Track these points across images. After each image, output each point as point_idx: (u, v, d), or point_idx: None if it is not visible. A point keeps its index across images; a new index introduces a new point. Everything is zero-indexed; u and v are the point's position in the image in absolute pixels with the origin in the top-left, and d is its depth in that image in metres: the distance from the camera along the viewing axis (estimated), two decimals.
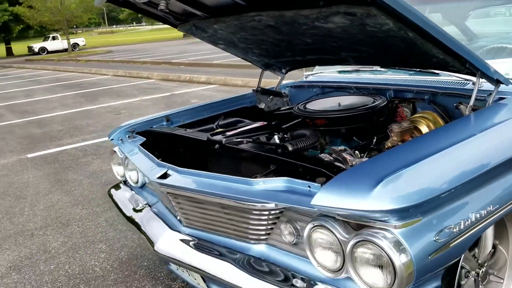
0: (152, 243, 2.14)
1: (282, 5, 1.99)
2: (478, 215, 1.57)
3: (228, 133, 2.24)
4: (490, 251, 1.94)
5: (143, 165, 2.28)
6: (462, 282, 1.83)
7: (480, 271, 1.89)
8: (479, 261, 1.90)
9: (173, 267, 2.29)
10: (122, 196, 2.76)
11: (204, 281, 2.03)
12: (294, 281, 1.69)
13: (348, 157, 1.99)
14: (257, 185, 1.75)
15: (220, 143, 2.16)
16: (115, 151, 2.82)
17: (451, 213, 1.51)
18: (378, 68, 2.84)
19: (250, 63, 3.20)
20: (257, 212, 1.77)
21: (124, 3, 2.52)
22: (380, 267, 1.43)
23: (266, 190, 1.72)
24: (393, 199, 1.40)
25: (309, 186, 1.63)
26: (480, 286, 1.91)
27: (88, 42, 42.07)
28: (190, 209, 2.05)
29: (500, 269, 2.03)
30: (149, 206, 2.47)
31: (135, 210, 2.48)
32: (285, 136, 2.47)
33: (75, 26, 44.95)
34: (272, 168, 1.94)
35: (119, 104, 9.61)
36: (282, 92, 3.27)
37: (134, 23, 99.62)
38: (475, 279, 1.88)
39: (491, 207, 1.62)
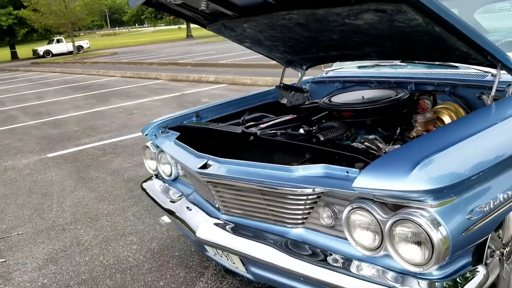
0: (193, 231, 2.28)
1: (314, 4, 2.11)
2: (505, 195, 1.70)
3: (262, 126, 2.38)
4: None
5: (183, 157, 2.41)
6: (488, 261, 1.94)
7: (505, 251, 2.01)
8: (503, 242, 2.02)
9: (210, 253, 2.42)
10: (156, 189, 2.89)
11: (243, 264, 2.16)
12: (332, 259, 1.82)
13: (380, 145, 2.12)
14: (296, 172, 1.88)
15: (255, 135, 2.29)
16: (147, 146, 2.95)
17: (481, 193, 1.64)
18: (397, 62, 2.96)
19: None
20: (296, 197, 1.90)
21: (157, 4, 2.64)
22: (418, 243, 1.55)
23: (306, 176, 1.85)
24: (429, 180, 1.52)
25: (347, 172, 1.75)
26: (505, 265, 2.03)
27: (92, 44, 42.26)
28: (229, 196, 2.17)
29: None
30: (185, 197, 2.61)
31: (172, 201, 2.62)
32: (312, 128, 2.59)
33: (77, 29, 45.14)
34: (307, 157, 2.06)
35: (131, 104, 9.76)
36: (303, 87, 3.40)
37: (136, 24, 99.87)
38: (499, 258, 2.00)
39: None
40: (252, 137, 2.31)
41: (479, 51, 2.08)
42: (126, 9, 53.34)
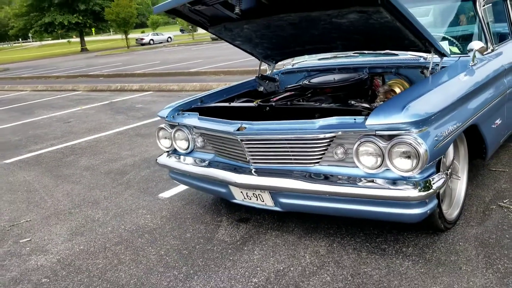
0: (229, 182, 3.00)
1: (311, 7, 2.95)
2: (452, 128, 2.69)
3: (272, 100, 3.16)
4: (451, 161, 3.07)
5: (215, 126, 3.11)
6: None
7: (448, 171, 3.01)
8: (447, 165, 3.02)
9: (238, 199, 3.15)
10: (172, 161, 3.54)
11: (272, 198, 2.92)
12: (344, 179, 2.67)
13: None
14: (317, 123, 2.70)
15: (271, 106, 3.08)
16: (162, 128, 3.58)
17: (440, 125, 2.60)
18: (351, 53, 3.92)
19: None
20: (317, 141, 2.72)
21: (173, 11, 3.32)
22: (408, 157, 2.46)
23: (325, 125, 2.68)
24: (413, 116, 2.45)
25: (354, 119, 2.61)
26: (449, 180, 3.03)
27: None
28: (259, 150, 2.93)
29: (457, 172, 3.18)
30: (208, 161, 3.30)
31: (198, 166, 3.30)
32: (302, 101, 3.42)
33: None
34: (317, 116, 2.89)
35: (62, 114, 9.89)
36: (275, 78, 4.23)
37: (20, 39, 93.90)
38: (445, 176, 2.99)
39: (458, 124, 2.74)
40: (268, 108, 3.09)
41: (420, 40, 3.07)
42: (12, 22, 50.19)
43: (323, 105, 3.01)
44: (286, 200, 2.90)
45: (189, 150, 3.48)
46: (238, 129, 2.94)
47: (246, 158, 3.02)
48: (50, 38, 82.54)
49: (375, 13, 2.80)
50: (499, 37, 4.12)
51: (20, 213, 4.28)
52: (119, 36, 59.28)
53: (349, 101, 3.07)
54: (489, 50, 3.62)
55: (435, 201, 2.64)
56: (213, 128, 3.14)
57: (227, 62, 16.94)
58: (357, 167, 2.65)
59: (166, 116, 3.50)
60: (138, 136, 6.88)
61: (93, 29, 52.57)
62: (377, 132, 2.52)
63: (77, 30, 48.08)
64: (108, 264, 3.13)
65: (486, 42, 3.61)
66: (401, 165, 2.50)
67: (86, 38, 53.54)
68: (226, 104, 3.48)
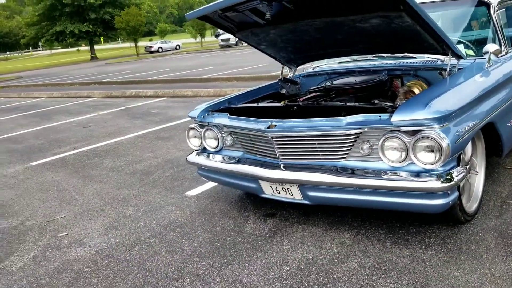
0: (259, 177, 3.19)
1: (336, 12, 3.14)
2: (471, 124, 2.87)
3: (299, 100, 3.36)
4: (469, 157, 3.24)
5: (246, 124, 3.30)
6: None
7: (467, 166, 3.19)
8: (465, 160, 3.19)
9: (267, 194, 3.33)
10: (201, 159, 3.74)
11: (301, 192, 3.10)
12: (370, 173, 2.85)
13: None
14: (344, 120, 2.89)
15: (299, 105, 3.27)
16: (192, 127, 3.79)
17: (460, 122, 2.78)
18: (370, 57, 4.11)
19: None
20: (344, 137, 2.90)
21: (204, 17, 3.53)
22: (431, 151, 2.64)
23: (351, 122, 2.86)
24: (435, 112, 2.63)
25: (379, 116, 2.80)
26: (468, 175, 3.20)
27: None
28: (288, 146, 3.12)
29: (475, 167, 3.35)
30: (238, 158, 3.50)
31: (228, 163, 3.49)
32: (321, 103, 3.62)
33: None
34: (343, 114, 3.07)
35: (80, 119, 10.13)
36: (297, 80, 4.43)
37: (30, 48, 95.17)
38: (465, 170, 3.16)
39: (476, 121, 2.92)
40: (295, 107, 3.28)
41: (439, 43, 3.25)
42: (24, 31, 50.97)
43: (349, 104, 3.20)
44: (314, 193, 3.08)
45: (218, 148, 3.68)
46: (268, 127, 3.13)
47: (276, 154, 3.21)
48: (59, 47, 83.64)
49: (397, 18, 2.99)
50: None
51: (54, 210, 4.49)
52: (127, 44, 59.96)
53: (372, 100, 3.26)
54: (503, 53, 3.79)
55: (456, 193, 2.81)
56: (243, 127, 3.33)
57: (237, 68, 17.21)
58: (382, 161, 2.83)
59: (197, 117, 3.71)
60: (158, 139, 7.10)
61: (101, 38, 53.23)
62: (401, 128, 2.71)
63: (87, 38, 48.67)
64: (145, 255, 3.32)
65: (500, 45, 3.79)
66: (425, 159, 2.67)
67: (95, 47, 54.22)
68: (254, 105, 3.68)
